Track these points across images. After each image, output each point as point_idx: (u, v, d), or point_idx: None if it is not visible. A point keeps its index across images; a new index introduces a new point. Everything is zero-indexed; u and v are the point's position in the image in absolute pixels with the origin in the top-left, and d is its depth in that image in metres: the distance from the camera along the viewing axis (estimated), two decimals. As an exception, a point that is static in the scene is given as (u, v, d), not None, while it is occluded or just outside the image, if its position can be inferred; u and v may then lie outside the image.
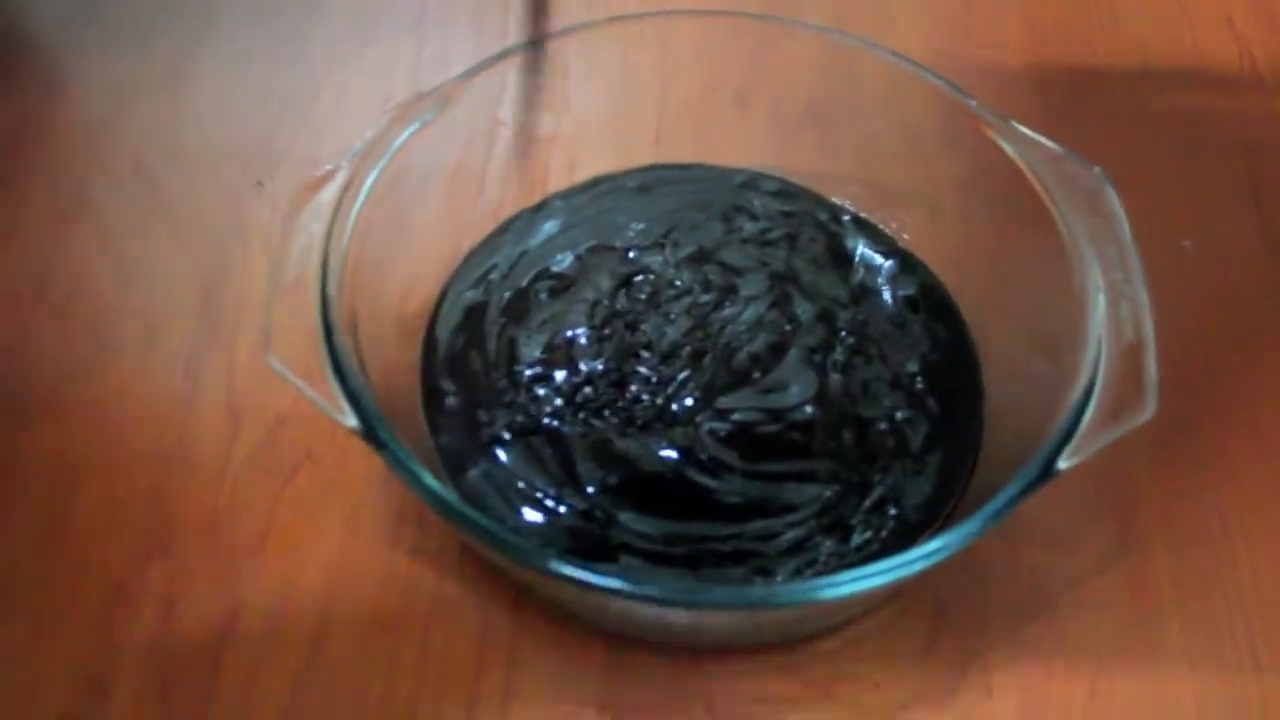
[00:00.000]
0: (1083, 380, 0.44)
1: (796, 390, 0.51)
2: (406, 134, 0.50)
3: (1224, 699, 0.46)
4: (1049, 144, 0.50)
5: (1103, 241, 0.47)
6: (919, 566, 0.41)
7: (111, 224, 0.58)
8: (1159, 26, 0.68)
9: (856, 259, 0.56)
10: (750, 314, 0.53)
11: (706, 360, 0.52)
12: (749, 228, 0.57)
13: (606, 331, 0.53)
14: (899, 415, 0.51)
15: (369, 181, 0.48)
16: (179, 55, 0.66)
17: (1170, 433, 0.52)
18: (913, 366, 0.52)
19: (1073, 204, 0.49)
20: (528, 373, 0.52)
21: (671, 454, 0.49)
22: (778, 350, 0.52)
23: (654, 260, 0.55)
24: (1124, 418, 0.43)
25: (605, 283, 0.55)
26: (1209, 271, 0.58)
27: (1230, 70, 0.66)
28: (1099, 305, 0.45)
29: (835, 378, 0.52)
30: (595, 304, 0.54)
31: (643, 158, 0.58)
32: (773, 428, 0.50)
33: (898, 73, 0.54)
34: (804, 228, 0.57)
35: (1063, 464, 0.42)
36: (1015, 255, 0.52)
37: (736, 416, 0.50)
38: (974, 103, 0.52)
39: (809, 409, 0.51)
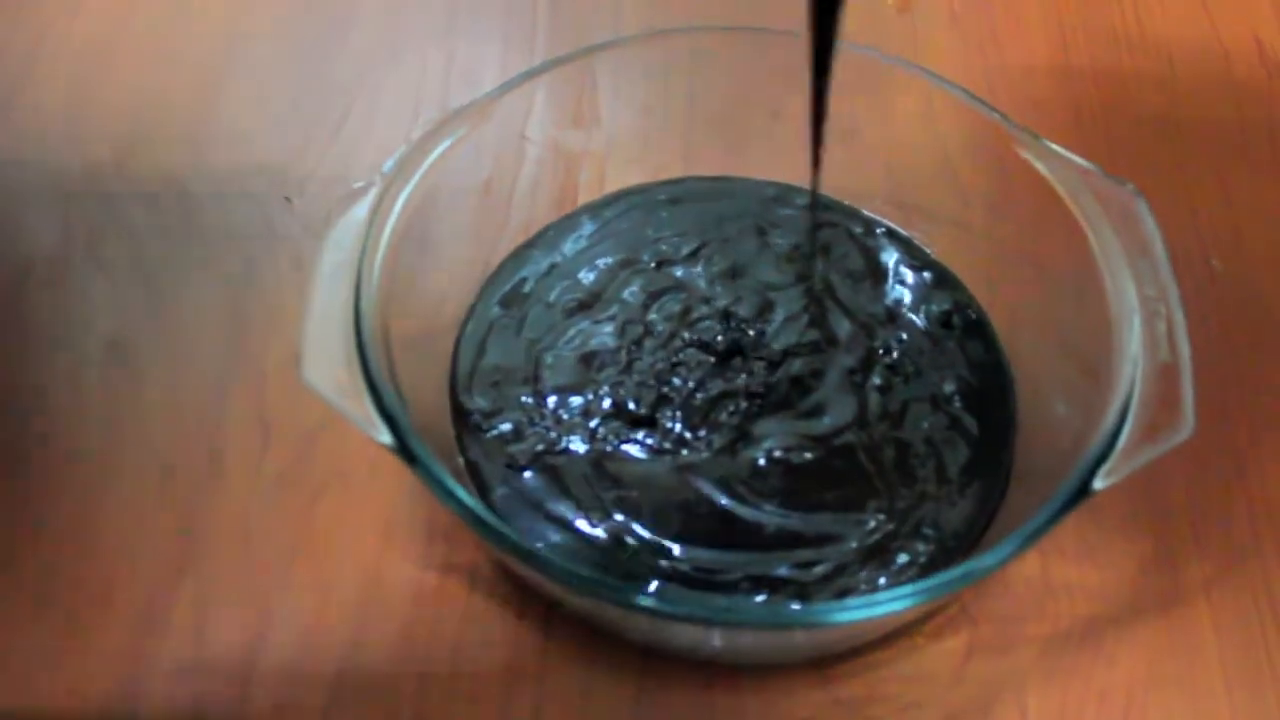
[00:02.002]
0: (1118, 399, 0.43)
1: (836, 415, 0.51)
2: (437, 151, 0.50)
3: (1262, 717, 0.46)
4: (1080, 161, 0.50)
5: (1136, 259, 0.47)
6: (953, 589, 0.40)
7: (141, 239, 0.59)
8: (1187, 44, 0.67)
9: (891, 273, 0.56)
10: (788, 334, 0.53)
11: (742, 383, 0.51)
12: (782, 242, 0.57)
13: (636, 351, 0.52)
14: (937, 437, 0.50)
15: (401, 199, 0.48)
16: (207, 70, 0.66)
17: (1203, 449, 0.52)
18: (949, 386, 0.52)
19: (1105, 221, 0.48)
20: (554, 393, 0.51)
21: (706, 483, 0.49)
22: (817, 373, 0.52)
23: (686, 275, 0.55)
24: (1160, 438, 0.43)
25: (635, 298, 0.54)
26: (1239, 288, 0.57)
27: (1259, 88, 0.65)
28: (1134, 323, 0.45)
29: (875, 400, 0.51)
30: (626, 322, 0.54)
31: (673, 172, 0.58)
32: (812, 455, 0.50)
33: (927, 89, 0.54)
34: (838, 241, 0.57)
35: (1098, 484, 0.42)
36: (1047, 272, 0.51)
37: (774, 443, 0.50)
38: (1004, 119, 0.52)
39: (849, 435, 0.50)
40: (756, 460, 0.49)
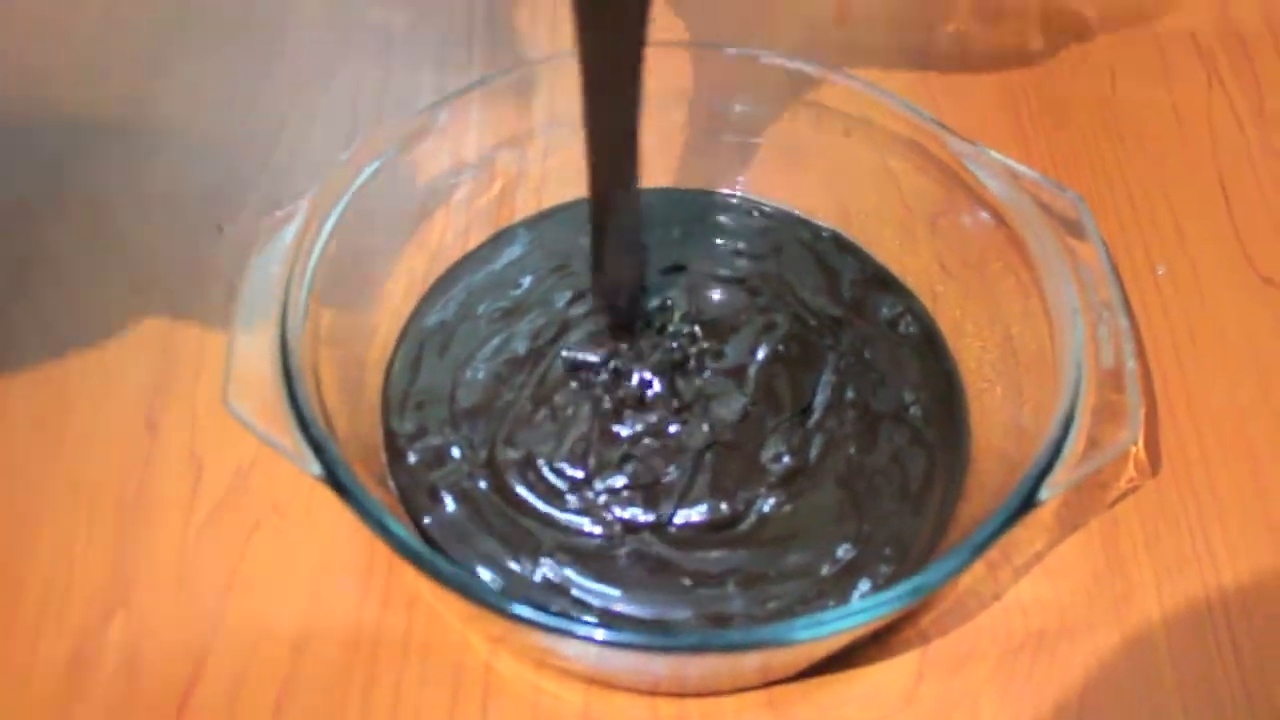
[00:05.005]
0: (1063, 407, 0.43)
1: (810, 446, 0.49)
2: (367, 172, 0.49)
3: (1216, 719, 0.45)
4: (1021, 168, 0.50)
5: (1079, 265, 0.47)
6: (896, 607, 0.39)
7: (69, 268, 0.57)
8: (1127, 50, 0.67)
9: (841, 277, 0.55)
10: (745, 338, 0.51)
11: (686, 391, 0.49)
12: (728, 244, 0.55)
13: (545, 359, 0.50)
14: (902, 453, 0.49)
15: (330, 221, 0.47)
16: (138, 93, 0.64)
17: (1150, 454, 0.51)
18: (909, 396, 0.50)
19: (1048, 228, 0.48)
20: (466, 416, 0.49)
21: (638, 531, 0.46)
22: (790, 385, 0.50)
23: None
24: (1106, 445, 0.42)
25: (560, 300, 0.52)
26: (1185, 296, 0.57)
27: (1200, 94, 0.65)
28: (1078, 330, 0.45)
29: (851, 418, 0.49)
30: (543, 325, 0.51)
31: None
32: (774, 497, 0.47)
33: (866, 100, 0.53)
34: (787, 244, 0.56)
35: (1044, 494, 0.41)
36: (990, 280, 0.51)
37: (719, 494, 0.47)
38: (943, 128, 0.51)
39: (827, 464, 0.48)
40: (700, 507, 0.47)
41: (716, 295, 0.53)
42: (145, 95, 0.64)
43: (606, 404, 0.49)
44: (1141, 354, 0.54)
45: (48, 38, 0.67)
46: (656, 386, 0.49)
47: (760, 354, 0.51)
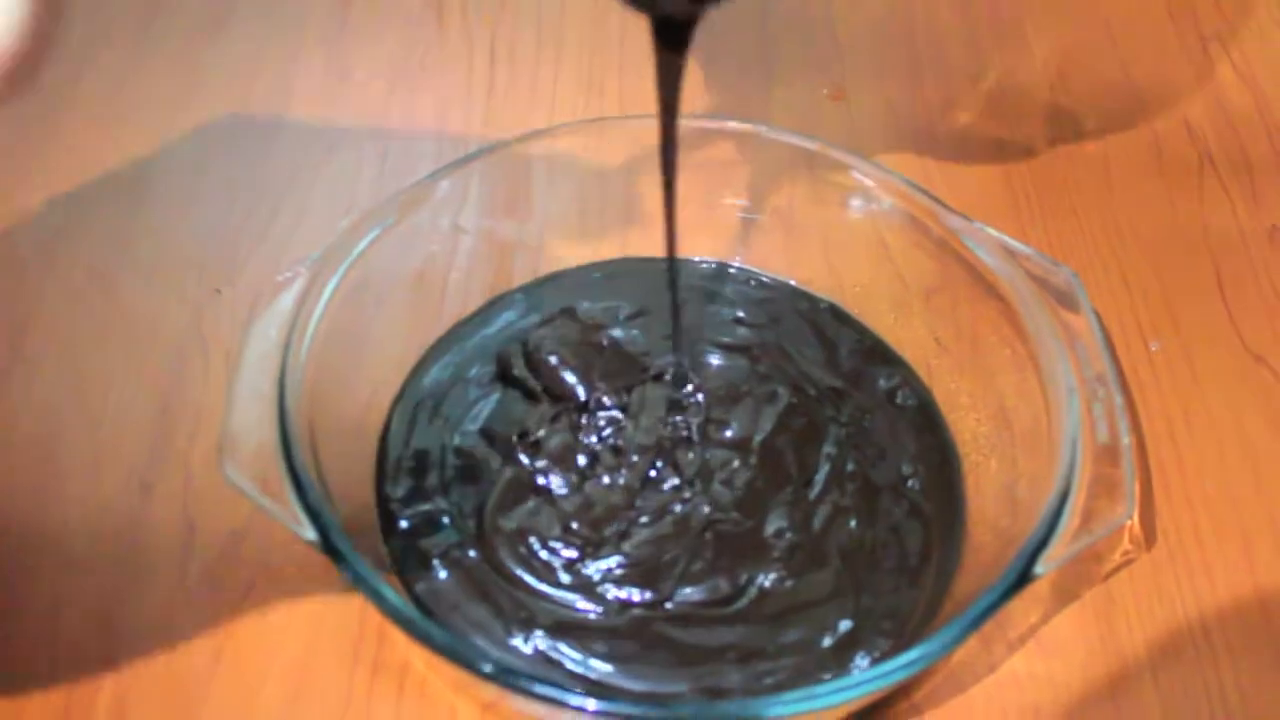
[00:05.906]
0: (1058, 482, 0.43)
1: (814, 514, 0.49)
2: (367, 239, 0.50)
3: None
4: (1016, 244, 0.50)
5: (1073, 341, 0.47)
6: (892, 681, 0.39)
7: (66, 333, 0.57)
8: (1123, 134, 0.68)
9: (841, 347, 0.55)
10: (743, 416, 0.51)
11: (688, 465, 0.49)
12: (726, 311, 0.56)
13: (551, 430, 0.50)
14: (901, 525, 0.49)
15: (329, 288, 0.48)
16: (141, 161, 0.65)
17: (1146, 529, 0.51)
18: (907, 468, 0.51)
19: (1041, 304, 0.48)
20: (456, 480, 0.49)
21: (635, 608, 0.46)
22: (792, 458, 0.50)
23: (623, 336, 0.54)
24: (1101, 521, 0.42)
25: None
26: (1178, 372, 0.57)
27: (1190, 171, 0.66)
28: (1073, 405, 0.45)
29: (851, 490, 0.49)
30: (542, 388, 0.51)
31: (608, 257, 0.58)
32: (774, 573, 0.47)
33: (862, 175, 0.54)
34: (785, 315, 0.56)
35: (1040, 569, 0.41)
36: (985, 354, 0.51)
37: (737, 576, 0.47)
38: (938, 204, 0.52)
39: (827, 535, 0.48)
40: (702, 582, 0.46)
41: (717, 361, 0.53)
42: (148, 164, 0.65)
43: (604, 480, 0.49)
44: (1136, 428, 0.54)
45: (52, 110, 0.68)
46: (659, 464, 0.49)
47: (764, 426, 0.51)
